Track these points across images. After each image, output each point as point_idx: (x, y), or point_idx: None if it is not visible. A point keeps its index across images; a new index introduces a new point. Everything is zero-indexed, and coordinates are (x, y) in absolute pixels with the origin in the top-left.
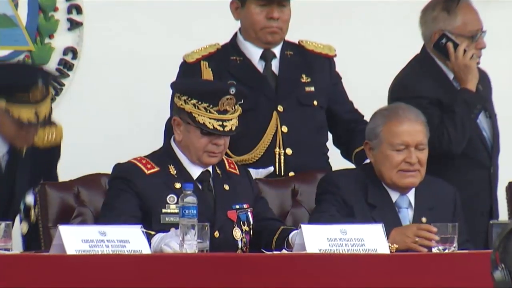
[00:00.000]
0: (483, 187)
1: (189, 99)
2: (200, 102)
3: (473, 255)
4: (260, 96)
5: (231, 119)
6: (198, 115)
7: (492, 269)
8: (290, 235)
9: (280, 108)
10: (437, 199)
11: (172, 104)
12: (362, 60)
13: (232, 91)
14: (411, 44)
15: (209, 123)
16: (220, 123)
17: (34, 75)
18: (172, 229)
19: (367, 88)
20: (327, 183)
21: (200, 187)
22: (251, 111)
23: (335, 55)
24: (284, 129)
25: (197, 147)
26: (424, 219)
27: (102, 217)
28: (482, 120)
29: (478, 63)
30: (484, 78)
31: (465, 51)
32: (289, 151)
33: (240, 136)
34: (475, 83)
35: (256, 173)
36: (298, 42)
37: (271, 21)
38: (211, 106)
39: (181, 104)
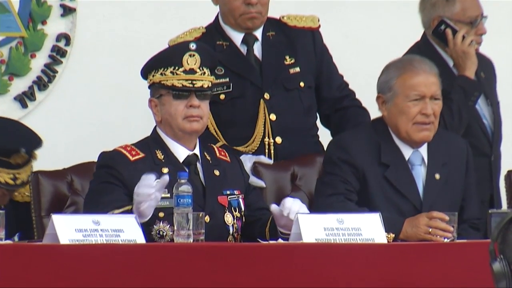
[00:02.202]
0: (484, 175)
1: (156, 71)
2: (165, 69)
3: (472, 244)
4: (246, 83)
5: (201, 80)
6: (167, 80)
7: (491, 260)
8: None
9: (266, 95)
10: (450, 154)
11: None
12: (359, 47)
13: (193, 46)
14: (410, 31)
15: (178, 82)
16: (189, 81)
17: (16, 143)
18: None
19: (364, 75)
20: (337, 148)
21: (187, 170)
22: (239, 98)
23: (319, 26)
24: (273, 117)
25: (174, 116)
26: (437, 176)
27: (87, 210)
28: (483, 108)
29: (477, 49)
30: (488, 66)
31: (464, 37)
32: (278, 139)
33: (231, 125)
34: (473, 70)
35: (250, 160)
36: (280, 18)
37: (249, 7)
38: (176, 68)
39: (150, 80)
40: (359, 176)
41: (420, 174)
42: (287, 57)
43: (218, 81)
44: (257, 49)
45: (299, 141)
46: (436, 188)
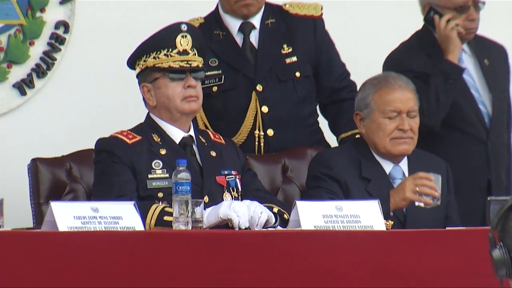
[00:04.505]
0: (480, 162)
1: (148, 55)
2: (158, 52)
3: (471, 232)
4: (239, 75)
5: (194, 60)
6: (161, 63)
7: (491, 248)
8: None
9: (259, 87)
10: (430, 172)
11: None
12: (358, 35)
13: (184, 28)
14: (409, 19)
15: (175, 64)
16: (185, 62)
17: None
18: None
19: (363, 63)
20: (319, 164)
21: (184, 152)
22: (231, 91)
23: (321, 15)
24: (265, 109)
25: (173, 98)
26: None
27: (102, 196)
28: (482, 95)
29: (460, 32)
30: (497, 53)
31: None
32: (270, 132)
33: (223, 118)
34: (456, 53)
35: None
36: (282, 6)
37: None
38: (170, 50)
39: (142, 66)
40: (343, 188)
41: None
42: (285, 46)
43: (210, 73)
44: (254, 37)
45: (292, 133)
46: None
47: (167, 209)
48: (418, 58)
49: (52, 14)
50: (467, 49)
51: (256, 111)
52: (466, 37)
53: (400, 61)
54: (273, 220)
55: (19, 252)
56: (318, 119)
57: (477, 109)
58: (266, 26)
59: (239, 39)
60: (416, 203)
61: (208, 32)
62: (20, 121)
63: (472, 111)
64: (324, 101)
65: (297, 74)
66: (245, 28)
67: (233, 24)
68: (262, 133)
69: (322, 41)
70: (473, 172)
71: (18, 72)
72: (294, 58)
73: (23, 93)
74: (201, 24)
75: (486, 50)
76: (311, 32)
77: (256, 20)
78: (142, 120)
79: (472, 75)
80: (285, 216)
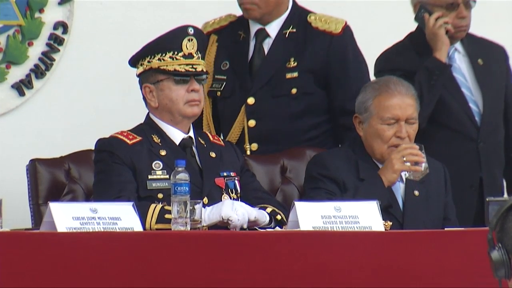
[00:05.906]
0: (471, 161)
1: (152, 57)
2: (164, 54)
3: (470, 232)
4: (236, 84)
5: (199, 64)
6: (167, 65)
7: (489, 249)
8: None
9: (250, 100)
10: (428, 174)
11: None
12: (357, 34)
13: (191, 31)
14: (408, 18)
15: (180, 67)
16: (190, 66)
17: None
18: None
19: None
20: (316, 165)
21: (184, 152)
22: (229, 98)
23: (341, 32)
24: (251, 123)
25: (176, 100)
26: (416, 192)
27: (101, 195)
28: (475, 94)
29: (449, 29)
30: (494, 53)
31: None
32: (254, 146)
33: (218, 124)
34: (444, 51)
35: None
36: (308, 16)
37: None
38: (175, 53)
39: (146, 66)
40: (341, 189)
41: (398, 190)
42: (292, 60)
43: (219, 76)
44: (268, 45)
45: (280, 148)
46: (416, 204)
47: (167, 207)
48: (407, 57)
49: (51, 14)
50: (461, 49)
51: (243, 125)
52: (457, 35)
53: (388, 60)
54: (265, 219)
55: (18, 253)
56: None
57: (467, 108)
58: (283, 36)
59: (252, 45)
60: (407, 175)
61: (234, 31)
62: (19, 121)
63: (462, 110)
64: (336, 121)
65: (293, 90)
66: (259, 35)
67: (253, 28)
68: (248, 146)
69: (336, 57)
70: (464, 171)
71: (16, 73)
72: (295, 74)
73: (21, 93)
74: (231, 22)
75: (483, 51)
76: (324, 48)
77: (273, 28)
78: (141, 120)
79: (464, 74)
80: (278, 217)
